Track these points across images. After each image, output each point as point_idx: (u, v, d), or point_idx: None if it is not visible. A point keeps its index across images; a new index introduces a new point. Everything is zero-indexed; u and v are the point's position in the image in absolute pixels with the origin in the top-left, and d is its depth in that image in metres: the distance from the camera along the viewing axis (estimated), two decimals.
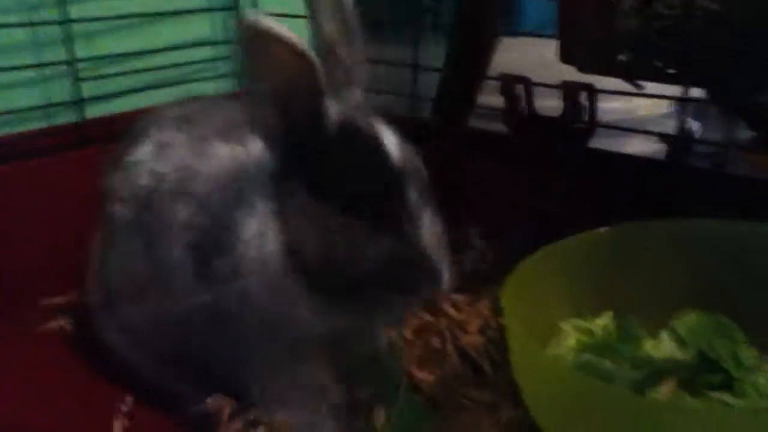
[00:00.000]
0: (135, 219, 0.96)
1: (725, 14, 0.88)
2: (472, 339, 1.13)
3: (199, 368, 0.94)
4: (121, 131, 1.12)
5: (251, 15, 0.76)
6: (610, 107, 1.99)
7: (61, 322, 1.30)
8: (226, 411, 0.91)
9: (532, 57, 1.99)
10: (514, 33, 2.72)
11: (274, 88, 0.81)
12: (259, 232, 0.84)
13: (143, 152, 1.00)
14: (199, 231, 0.89)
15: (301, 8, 0.95)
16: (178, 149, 0.97)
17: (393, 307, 0.84)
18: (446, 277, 0.82)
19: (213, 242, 0.87)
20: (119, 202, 0.99)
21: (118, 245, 0.98)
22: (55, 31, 1.50)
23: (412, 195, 0.82)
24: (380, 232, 0.80)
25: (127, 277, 0.97)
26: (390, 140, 0.85)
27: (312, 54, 0.78)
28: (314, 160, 0.83)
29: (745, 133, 1.36)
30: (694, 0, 0.92)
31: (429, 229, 0.82)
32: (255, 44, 0.78)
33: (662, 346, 0.93)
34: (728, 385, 0.83)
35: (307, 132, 0.83)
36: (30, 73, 1.51)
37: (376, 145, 0.83)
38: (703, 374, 0.84)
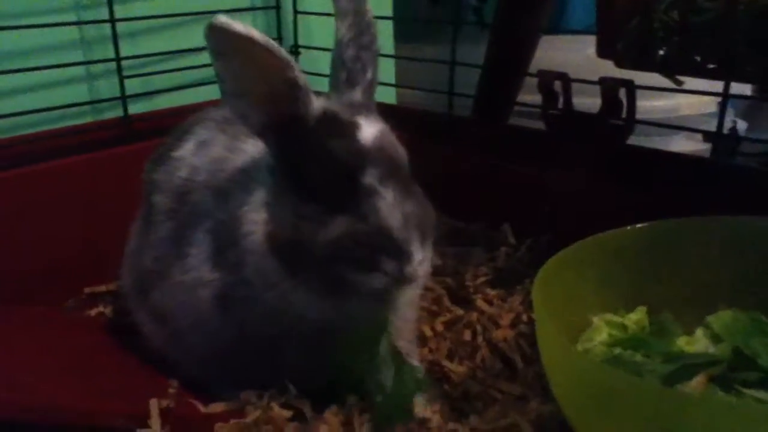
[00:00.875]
0: (171, 208, 1.01)
1: None
2: (503, 333, 1.13)
3: (216, 359, 0.98)
4: (163, 127, 1.16)
5: (220, 18, 0.79)
6: (651, 105, 1.97)
7: (102, 309, 1.35)
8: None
9: (574, 55, 1.98)
10: (557, 31, 2.71)
11: (252, 87, 0.85)
12: (255, 222, 0.89)
13: (186, 149, 1.05)
14: (218, 221, 0.94)
15: None
16: (214, 146, 1.02)
17: (362, 285, 0.84)
18: (416, 255, 0.83)
19: (226, 231, 0.91)
20: (160, 193, 1.04)
21: (154, 232, 1.02)
22: (102, 30, 1.55)
23: (370, 176, 0.84)
24: (338, 213, 0.83)
25: (156, 258, 1.01)
26: (367, 130, 0.87)
27: (283, 52, 0.82)
28: (290, 150, 0.87)
29: None
30: None
31: (392, 209, 0.83)
32: (227, 46, 0.81)
33: (697, 343, 0.91)
34: (764, 382, 0.81)
35: (286, 124, 0.87)
36: (78, 71, 1.56)
37: (343, 133, 0.87)
38: (737, 371, 0.83)
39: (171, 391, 0.96)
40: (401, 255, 0.82)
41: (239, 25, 0.80)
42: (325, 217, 0.84)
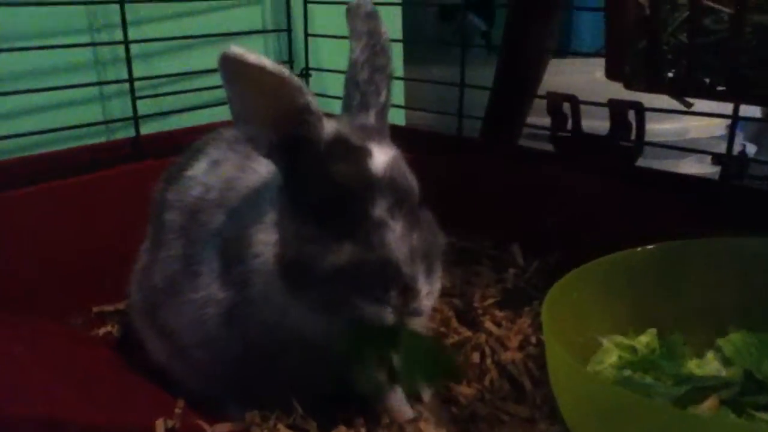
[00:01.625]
0: (182, 226, 1.01)
1: None
2: (511, 355, 1.12)
3: (222, 375, 0.98)
4: (174, 146, 1.17)
5: (234, 49, 0.80)
6: (660, 129, 1.97)
7: (110, 329, 1.35)
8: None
9: (582, 77, 1.99)
10: (565, 53, 2.72)
11: (263, 112, 0.85)
12: (265, 242, 0.88)
13: (198, 168, 1.06)
14: (226, 239, 0.94)
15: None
16: (226, 166, 1.03)
17: (366, 314, 0.82)
18: (422, 290, 0.82)
19: (234, 251, 0.91)
20: (172, 211, 1.04)
21: (165, 250, 1.02)
22: (116, 51, 1.57)
23: (380, 207, 0.83)
24: (346, 241, 0.83)
25: (165, 276, 1.01)
26: (379, 157, 0.87)
27: (295, 78, 0.83)
28: (299, 172, 0.87)
29: None
30: (744, 14, 0.90)
31: (400, 242, 0.82)
32: (240, 75, 0.82)
33: (707, 366, 0.90)
34: None
35: (296, 146, 0.87)
36: (92, 91, 1.58)
37: (354, 160, 0.86)
38: (749, 394, 0.82)
39: (177, 411, 0.96)
40: (407, 289, 0.82)
41: (252, 56, 0.81)
42: (332, 243, 0.83)
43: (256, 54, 0.81)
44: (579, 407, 0.78)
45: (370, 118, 0.95)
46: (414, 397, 0.99)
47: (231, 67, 0.82)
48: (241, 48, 0.80)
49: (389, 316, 0.82)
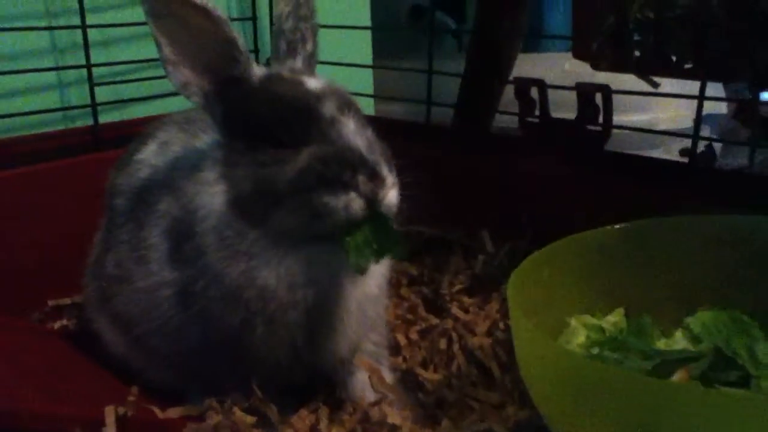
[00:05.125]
0: (130, 209, 0.98)
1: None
2: (479, 340, 1.10)
3: (181, 362, 0.95)
4: (133, 136, 1.13)
5: None
6: (628, 120, 1.96)
7: (66, 322, 1.30)
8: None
9: (551, 71, 1.98)
10: (534, 48, 2.73)
11: (190, 51, 0.85)
12: (211, 203, 0.87)
13: (148, 151, 1.03)
14: (173, 219, 0.91)
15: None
16: (174, 146, 1.00)
17: (336, 210, 0.80)
18: (388, 178, 0.82)
19: (182, 228, 0.89)
20: (120, 196, 1.01)
21: (115, 236, 0.99)
22: (74, 38, 1.52)
23: (328, 107, 0.84)
24: (303, 147, 0.82)
25: (117, 264, 0.97)
26: (315, 81, 0.88)
27: (220, 12, 0.83)
28: (238, 109, 0.87)
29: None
30: None
31: (357, 134, 0.83)
32: (163, 8, 0.82)
33: (675, 345, 0.88)
34: (745, 382, 0.78)
35: (229, 87, 0.87)
36: (50, 78, 1.53)
37: (293, 83, 0.88)
38: (718, 371, 0.80)
39: (130, 398, 0.92)
40: (373, 174, 0.81)
41: None
42: (288, 155, 0.82)
43: None
44: (548, 382, 0.75)
45: (298, 63, 0.96)
46: (375, 383, 0.95)
47: (163, 4, 0.81)
48: None
49: (359, 204, 0.80)
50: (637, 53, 1.02)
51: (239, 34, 0.85)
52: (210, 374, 0.94)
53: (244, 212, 0.85)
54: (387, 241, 0.82)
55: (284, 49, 0.96)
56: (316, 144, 0.82)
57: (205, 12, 0.82)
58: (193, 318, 0.89)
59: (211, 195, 0.87)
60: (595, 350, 0.86)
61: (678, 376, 0.74)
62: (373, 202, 0.81)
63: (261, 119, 0.85)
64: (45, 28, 1.51)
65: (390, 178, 0.83)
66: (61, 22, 1.53)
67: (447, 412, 0.96)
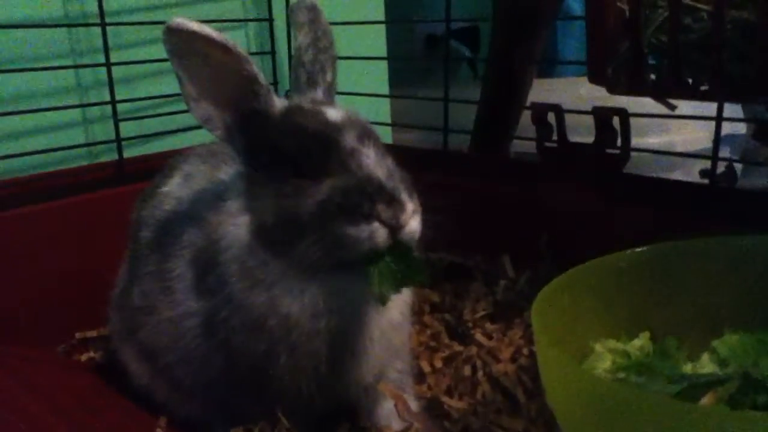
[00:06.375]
0: (156, 241, 1.00)
1: (760, 23, 0.86)
2: (504, 367, 1.10)
3: (206, 393, 0.95)
4: (157, 170, 1.15)
5: (176, 19, 0.82)
6: (645, 143, 1.97)
7: (93, 354, 1.32)
8: None
9: (566, 96, 1.99)
10: (549, 74, 2.74)
11: (212, 87, 0.86)
12: (234, 233, 0.88)
13: (172, 184, 1.05)
14: (198, 249, 0.93)
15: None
16: (198, 178, 1.02)
17: (358, 241, 0.81)
18: (408, 204, 0.82)
19: (206, 258, 0.91)
20: (146, 228, 1.03)
21: (141, 268, 1.00)
22: (98, 76, 1.56)
23: (349, 138, 0.85)
24: (324, 178, 0.83)
25: (143, 295, 0.99)
26: (335, 112, 0.90)
27: (240, 48, 0.85)
28: (260, 143, 0.88)
29: None
30: (724, 11, 0.90)
31: (377, 164, 0.84)
32: (185, 47, 0.83)
33: (702, 368, 0.87)
34: None
35: (251, 121, 0.88)
36: (75, 115, 1.57)
37: (313, 114, 0.89)
38: (746, 394, 0.79)
39: (158, 431, 0.93)
40: (394, 202, 0.81)
41: (195, 24, 0.82)
42: (310, 185, 0.84)
43: (199, 23, 0.82)
44: (575, 407, 0.75)
45: (318, 94, 0.97)
46: (401, 410, 0.95)
47: (176, 38, 0.83)
48: (184, 17, 0.81)
49: (382, 233, 0.81)
50: (652, 76, 1.03)
51: (259, 69, 0.87)
52: (234, 405, 0.95)
53: (268, 242, 0.86)
54: (409, 270, 0.83)
55: (304, 81, 0.98)
56: (337, 174, 0.84)
57: (225, 49, 0.84)
58: (217, 347, 0.90)
59: (235, 225, 0.88)
60: (621, 375, 0.85)
61: (706, 400, 0.73)
62: (395, 230, 0.81)
63: (282, 151, 0.87)
64: (71, 67, 1.55)
65: (411, 205, 0.83)
66: (86, 60, 1.57)
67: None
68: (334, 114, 0.89)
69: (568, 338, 0.88)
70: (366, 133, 0.87)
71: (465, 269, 1.43)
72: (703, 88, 0.99)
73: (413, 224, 0.83)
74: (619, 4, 1.02)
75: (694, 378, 0.79)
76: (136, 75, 1.64)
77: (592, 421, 0.71)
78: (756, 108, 1.76)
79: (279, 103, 0.91)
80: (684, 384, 0.76)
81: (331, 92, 0.99)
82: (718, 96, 1.00)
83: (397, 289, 0.83)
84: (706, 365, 0.89)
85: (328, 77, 0.99)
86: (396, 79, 2.20)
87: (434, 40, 3.40)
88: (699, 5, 0.92)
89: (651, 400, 0.66)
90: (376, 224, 0.81)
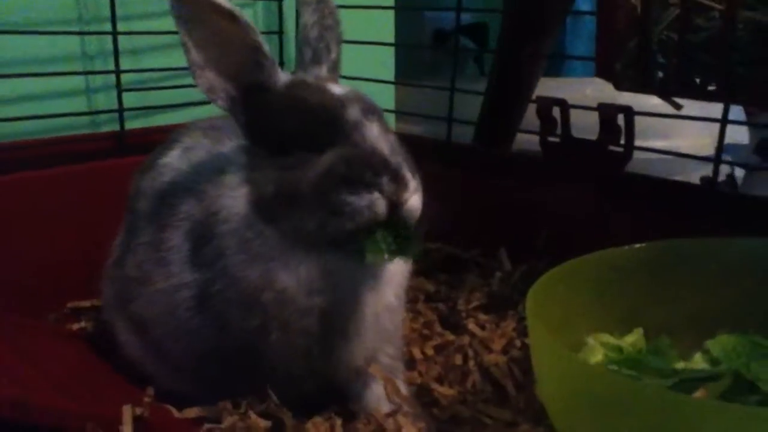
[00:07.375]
0: (153, 212, 0.99)
1: None
2: (495, 358, 1.09)
3: (195, 367, 0.95)
4: (157, 143, 1.15)
5: None
6: (647, 146, 1.96)
7: (84, 324, 1.31)
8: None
9: (572, 96, 1.99)
10: (556, 73, 2.74)
11: (217, 55, 0.87)
12: (233, 205, 0.88)
13: (172, 156, 1.04)
14: (194, 222, 0.92)
15: None
16: (198, 151, 1.02)
17: (359, 210, 0.80)
18: (410, 181, 0.82)
19: (203, 231, 0.90)
20: (144, 199, 1.02)
21: (136, 238, 1.00)
22: (104, 45, 1.55)
23: (352, 112, 0.85)
24: (324, 150, 0.83)
25: (137, 266, 0.98)
26: (338, 88, 0.90)
27: (247, 18, 0.85)
28: (263, 115, 0.89)
29: None
30: (736, 11, 0.90)
31: (380, 138, 0.84)
32: (192, 14, 0.84)
33: (695, 367, 0.87)
34: (764, 406, 0.77)
35: (254, 93, 0.89)
36: (78, 83, 1.56)
37: (317, 89, 0.89)
38: (738, 395, 0.79)
39: (146, 399, 0.92)
40: (397, 177, 0.81)
41: None
42: (313, 158, 0.84)
43: None
44: (566, 396, 0.75)
45: (323, 71, 0.97)
46: (390, 393, 0.95)
47: (183, 5, 0.84)
48: None
49: (381, 203, 0.80)
50: (660, 74, 1.02)
51: (265, 42, 0.87)
52: (222, 380, 0.94)
53: (266, 214, 0.86)
54: (405, 243, 0.82)
55: (309, 58, 0.98)
56: (340, 147, 0.83)
57: (231, 16, 0.84)
58: (210, 321, 0.90)
59: (234, 198, 0.88)
60: (613, 368, 0.86)
61: (698, 395, 0.74)
62: (395, 206, 0.81)
63: (285, 124, 0.87)
64: (77, 33, 1.54)
65: (413, 182, 0.83)
66: (92, 28, 1.56)
67: (460, 428, 0.96)
68: (338, 89, 0.89)
69: (561, 329, 0.88)
70: (370, 109, 0.87)
71: (462, 261, 1.43)
72: (710, 87, 0.99)
73: (414, 202, 0.83)
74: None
75: (685, 374, 0.80)
76: (142, 47, 1.63)
77: (583, 410, 0.72)
78: (759, 122, 1.76)
79: (283, 76, 0.91)
80: (675, 379, 0.76)
81: (336, 70, 0.99)
82: (725, 97, 0.99)
83: (390, 257, 0.82)
84: (699, 364, 0.89)
85: (333, 55, 0.99)
86: (402, 72, 2.19)
87: (443, 35, 3.39)
88: (710, 3, 0.92)
89: (644, 390, 0.66)
90: (376, 194, 0.81)
